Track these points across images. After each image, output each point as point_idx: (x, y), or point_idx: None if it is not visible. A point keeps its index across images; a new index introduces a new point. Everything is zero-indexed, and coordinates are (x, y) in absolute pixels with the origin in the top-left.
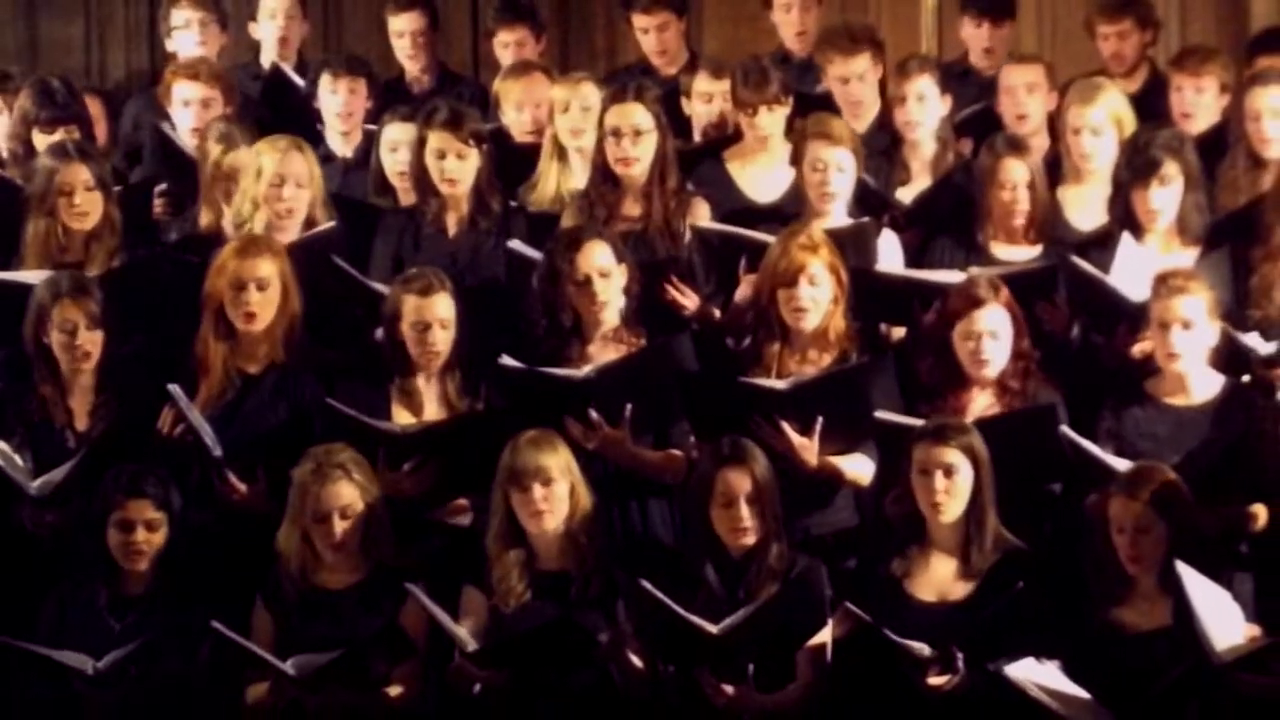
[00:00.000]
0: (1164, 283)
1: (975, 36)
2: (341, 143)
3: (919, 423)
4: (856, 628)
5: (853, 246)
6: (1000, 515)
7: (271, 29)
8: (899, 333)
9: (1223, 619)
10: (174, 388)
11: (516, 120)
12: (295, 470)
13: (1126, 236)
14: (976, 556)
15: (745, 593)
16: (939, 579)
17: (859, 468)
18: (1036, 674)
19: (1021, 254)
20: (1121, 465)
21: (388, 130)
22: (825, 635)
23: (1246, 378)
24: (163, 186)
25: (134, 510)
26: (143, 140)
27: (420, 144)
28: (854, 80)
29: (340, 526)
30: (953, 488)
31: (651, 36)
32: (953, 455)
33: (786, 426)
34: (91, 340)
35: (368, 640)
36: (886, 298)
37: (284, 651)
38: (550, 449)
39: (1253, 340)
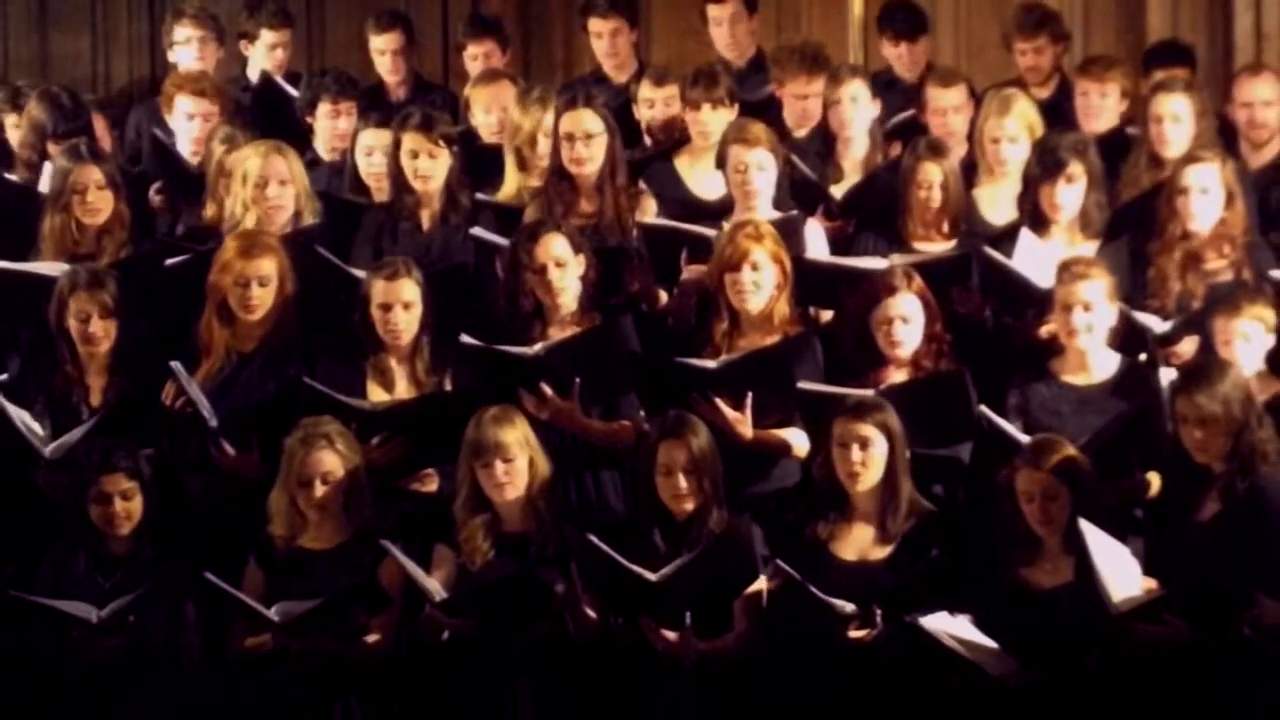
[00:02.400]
0: (1067, 269)
1: (894, 54)
2: (329, 152)
3: (839, 391)
4: (786, 584)
5: (783, 236)
6: (915, 483)
7: (267, 59)
8: (827, 315)
9: (1121, 573)
10: (176, 365)
11: (485, 122)
12: (287, 439)
13: (1025, 231)
14: (892, 521)
15: (687, 552)
16: (859, 541)
17: (796, 439)
18: (950, 625)
19: (938, 246)
20: (1022, 439)
21: (362, 136)
22: (759, 587)
23: (1143, 356)
24: (158, 185)
25: (108, 484)
26: (143, 146)
27: (395, 145)
28: (812, 98)
29: (321, 490)
30: (868, 459)
31: (605, 41)
32: (868, 430)
33: (720, 402)
34: (104, 328)
35: (347, 591)
36: (817, 283)
37: (273, 604)
38: (510, 425)
39: (1149, 320)
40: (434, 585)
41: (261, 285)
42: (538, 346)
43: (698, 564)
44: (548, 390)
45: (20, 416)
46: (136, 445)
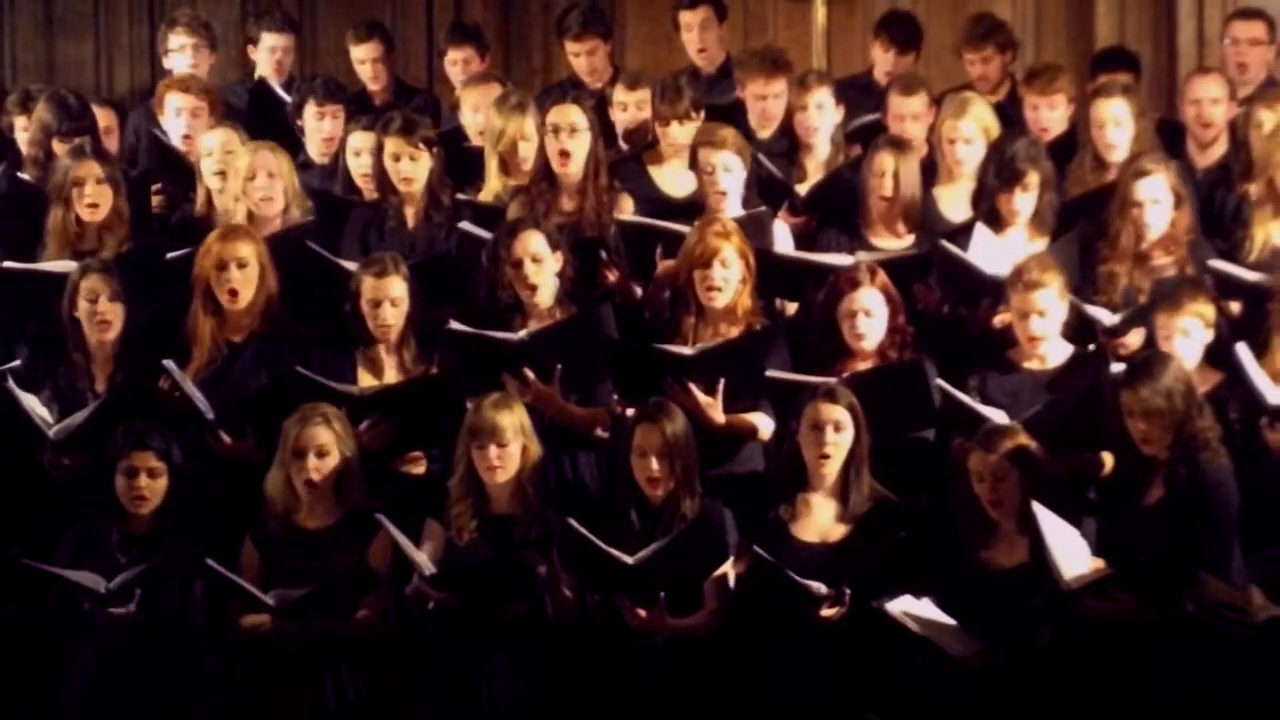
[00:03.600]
0: (1020, 278)
1: (884, 59)
2: (320, 155)
3: (805, 379)
4: (757, 565)
5: (751, 231)
6: (875, 468)
7: (269, 62)
8: (792, 308)
9: (1071, 552)
10: (168, 363)
11: (473, 120)
12: (286, 421)
13: (980, 225)
14: (852, 503)
15: (662, 534)
16: (819, 523)
17: (763, 424)
18: (912, 608)
19: (896, 243)
20: (990, 413)
21: (351, 139)
22: (728, 568)
23: (1093, 346)
24: (158, 186)
25: (138, 460)
26: (141, 145)
27: (379, 148)
28: (771, 98)
29: (314, 464)
30: (839, 441)
31: (582, 59)
32: (840, 413)
33: (693, 387)
34: (112, 311)
35: (339, 576)
36: (784, 277)
37: (269, 583)
38: (508, 411)
39: (1099, 313)
40: (423, 559)
41: (240, 268)
42: (522, 332)
43: (673, 547)
44: (530, 375)
45: (29, 401)
46: (169, 430)
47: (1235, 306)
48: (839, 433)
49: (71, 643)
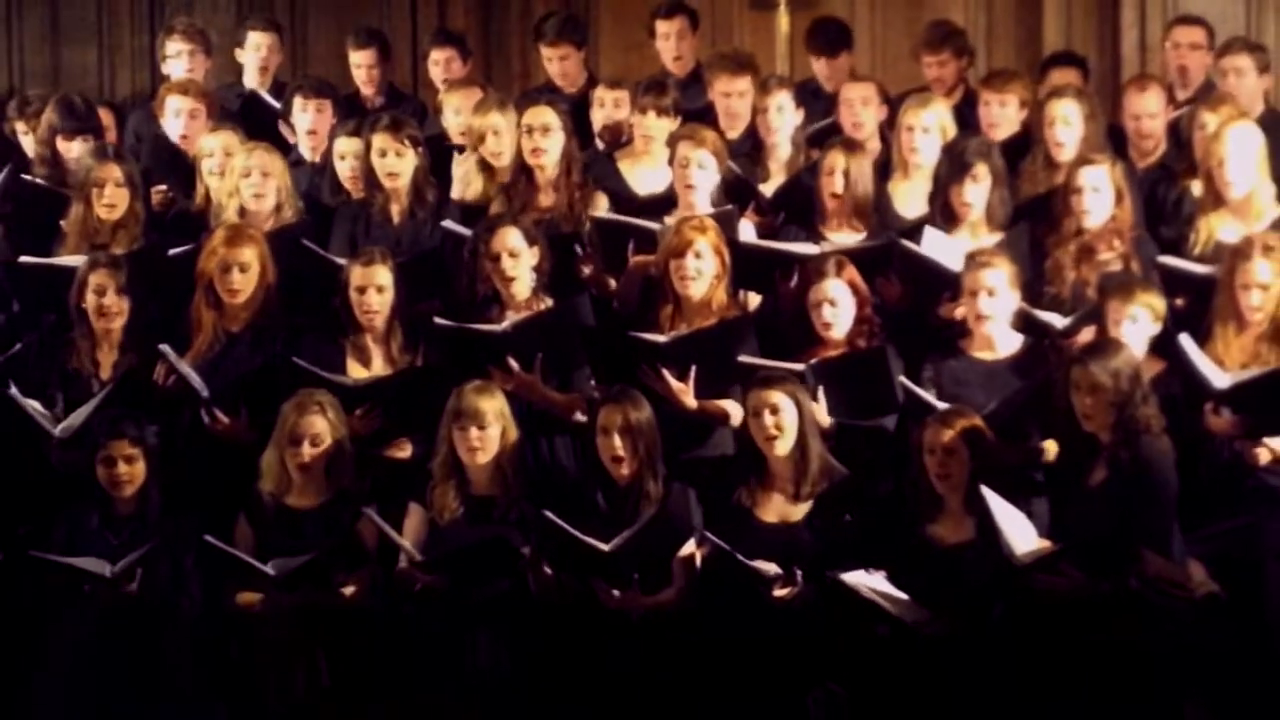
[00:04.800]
0: (973, 259)
1: (819, 67)
2: (311, 152)
3: (773, 364)
4: (715, 552)
5: (720, 227)
6: (839, 452)
7: (255, 58)
8: (755, 300)
9: (1019, 532)
10: (163, 347)
11: (455, 123)
12: (284, 404)
13: (929, 228)
14: (805, 482)
15: (629, 515)
16: (778, 504)
17: (733, 409)
18: (866, 580)
19: (852, 238)
20: (939, 406)
21: (338, 143)
22: (692, 548)
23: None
24: (161, 188)
25: (114, 449)
26: (142, 145)
27: (366, 146)
28: (734, 96)
29: (307, 450)
30: (780, 424)
31: (555, 65)
32: (777, 397)
33: (667, 373)
34: (118, 304)
35: (333, 548)
36: (752, 267)
37: (261, 558)
38: (489, 396)
39: (1050, 317)
40: (409, 546)
41: (242, 271)
42: (506, 323)
43: (644, 532)
44: (514, 364)
45: (32, 405)
46: (144, 417)
47: (1179, 301)
48: (777, 415)
49: (56, 624)
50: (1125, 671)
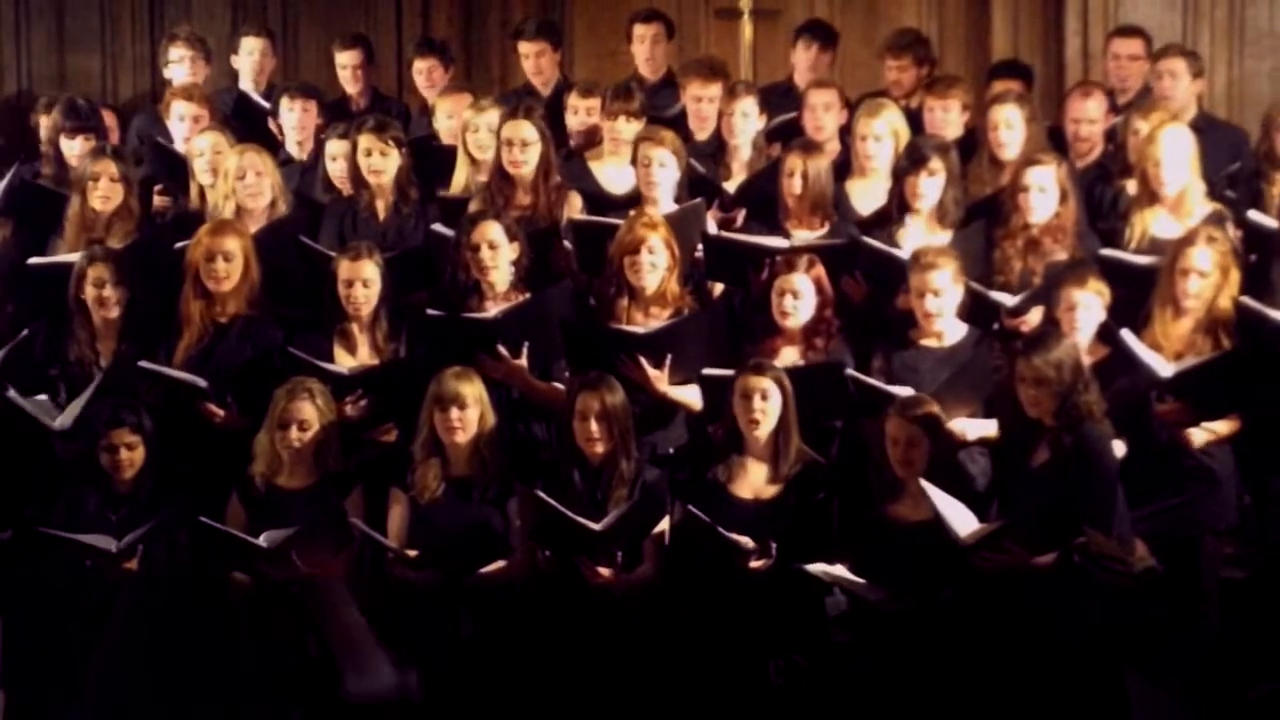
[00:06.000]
0: (918, 261)
1: (804, 58)
2: (298, 150)
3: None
4: (692, 523)
5: (689, 221)
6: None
7: (249, 64)
8: (719, 289)
9: (960, 518)
10: (144, 364)
11: (446, 126)
12: (277, 389)
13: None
14: (783, 463)
15: (601, 494)
16: (753, 482)
17: (692, 396)
18: (828, 569)
19: (812, 234)
20: (894, 390)
21: (329, 145)
22: (664, 527)
23: (996, 326)
24: (159, 187)
25: (115, 437)
26: (144, 147)
27: (353, 147)
28: (705, 100)
29: (296, 435)
30: (766, 409)
31: (531, 61)
32: (766, 383)
33: (644, 361)
34: (114, 296)
35: (322, 523)
36: (726, 261)
37: (253, 535)
38: (468, 381)
39: (1000, 296)
40: (395, 545)
41: (226, 260)
42: (494, 311)
43: (631, 513)
44: (503, 351)
45: (32, 401)
46: (142, 405)
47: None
48: (766, 401)
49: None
50: (1067, 641)
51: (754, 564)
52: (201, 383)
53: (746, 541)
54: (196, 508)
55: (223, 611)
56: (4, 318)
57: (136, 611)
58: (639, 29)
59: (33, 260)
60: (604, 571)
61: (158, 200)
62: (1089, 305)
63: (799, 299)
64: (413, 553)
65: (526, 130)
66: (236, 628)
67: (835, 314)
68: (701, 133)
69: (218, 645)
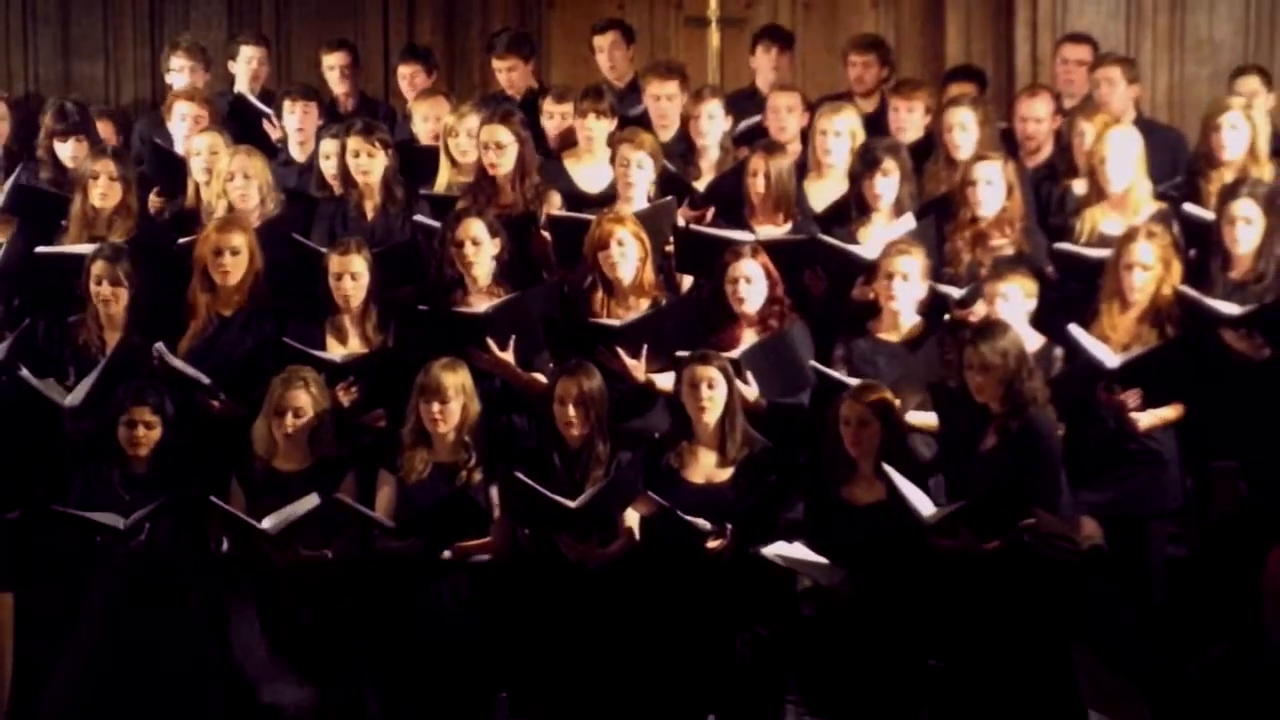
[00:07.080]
0: (892, 246)
1: (764, 60)
2: (300, 151)
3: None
4: (656, 509)
5: (660, 217)
6: (762, 425)
7: (245, 69)
8: (688, 281)
9: (920, 500)
10: (159, 346)
11: (424, 129)
12: (274, 378)
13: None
14: (730, 448)
15: (580, 475)
16: (704, 467)
17: (669, 382)
18: (785, 550)
19: (776, 229)
20: (853, 382)
21: (322, 145)
22: (638, 506)
23: (947, 317)
24: (156, 189)
25: (136, 414)
26: (145, 148)
27: (342, 148)
28: (664, 99)
29: (290, 421)
30: (713, 396)
31: (504, 75)
32: (712, 372)
33: (621, 352)
34: (119, 288)
35: (322, 508)
36: (697, 255)
37: (252, 516)
38: (452, 373)
39: (948, 289)
40: (382, 517)
41: (233, 255)
42: (485, 306)
43: (604, 492)
44: (493, 345)
45: (43, 383)
46: (164, 388)
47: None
48: (712, 389)
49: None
50: (1017, 616)
51: (712, 544)
52: (205, 379)
53: (703, 524)
54: (202, 490)
55: (194, 598)
56: (9, 312)
57: (114, 595)
58: (597, 39)
59: (39, 249)
60: (580, 548)
61: (154, 201)
62: (1009, 296)
63: (751, 284)
64: (390, 523)
65: (501, 133)
66: (199, 618)
67: (785, 293)
68: (665, 131)
69: (181, 633)
